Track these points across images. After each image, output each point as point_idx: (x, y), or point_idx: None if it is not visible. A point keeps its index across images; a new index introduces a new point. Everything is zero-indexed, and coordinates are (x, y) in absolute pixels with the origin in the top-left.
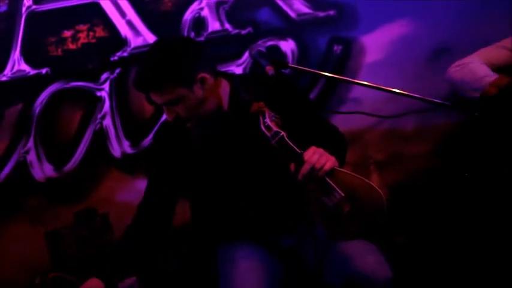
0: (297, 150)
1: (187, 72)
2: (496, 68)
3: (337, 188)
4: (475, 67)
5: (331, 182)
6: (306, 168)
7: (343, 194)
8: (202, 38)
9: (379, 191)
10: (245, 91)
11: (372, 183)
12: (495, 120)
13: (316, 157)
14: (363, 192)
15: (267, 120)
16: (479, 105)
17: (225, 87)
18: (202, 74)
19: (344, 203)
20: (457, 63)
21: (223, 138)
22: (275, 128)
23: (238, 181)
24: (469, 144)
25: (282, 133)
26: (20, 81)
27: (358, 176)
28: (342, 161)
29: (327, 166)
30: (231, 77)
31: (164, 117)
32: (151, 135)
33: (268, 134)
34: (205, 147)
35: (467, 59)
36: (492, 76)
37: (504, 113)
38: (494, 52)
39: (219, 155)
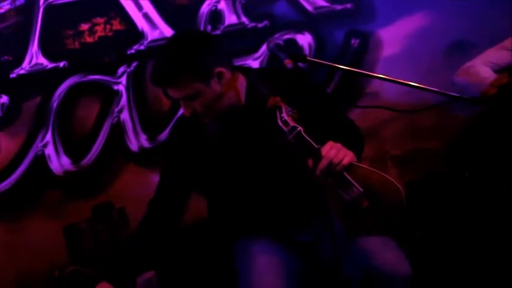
0: (315, 145)
1: (204, 67)
2: (500, 69)
3: (355, 183)
4: (477, 70)
5: (349, 177)
6: (323, 163)
7: (361, 189)
8: (218, 32)
9: (398, 185)
10: (262, 85)
11: (390, 178)
12: (495, 118)
13: (334, 152)
14: (382, 187)
15: (284, 115)
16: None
17: (241, 82)
18: (220, 69)
19: (363, 198)
20: (461, 68)
21: (240, 133)
22: (292, 123)
23: (255, 176)
24: (473, 143)
25: (299, 128)
26: (38, 75)
27: (377, 170)
28: (359, 156)
29: (345, 161)
30: (247, 71)
31: (181, 111)
32: (168, 130)
33: (285, 128)
34: (222, 142)
35: (469, 63)
36: (493, 76)
37: (503, 111)
38: (496, 53)
39: (235, 149)
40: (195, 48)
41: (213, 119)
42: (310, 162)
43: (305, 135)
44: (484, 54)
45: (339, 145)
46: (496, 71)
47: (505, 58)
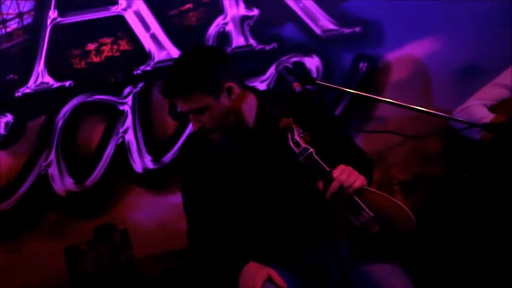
0: (326, 167)
1: (214, 80)
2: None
3: (365, 208)
4: (473, 110)
5: (359, 201)
6: (335, 185)
7: (372, 214)
8: None
9: (410, 213)
10: (273, 106)
11: (401, 204)
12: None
13: (346, 175)
14: (392, 213)
15: (296, 136)
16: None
17: (252, 100)
18: (229, 84)
19: (372, 224)
20: (458, 108)
21: (249, 152)
22: (304, 144)
23: (263, 194)
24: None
25: (311, 149)
26: (43, 94)
27: (388, 196)
28: (369, 181)
29: (356, 184)
30: (258, 91)
31: (187, 133)
32: (173, 151)
33: (296, 150)
34: (230, 160)
35: (467, 103)
36: (489, 117)
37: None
38: (492, 91)
39: (243, 168)
40: (206, 61)
41: (221, 135)
42: (320, 184)
43: (316, 157)
44: (480, 93)
45: (350, 168)
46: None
47: (501, 95)
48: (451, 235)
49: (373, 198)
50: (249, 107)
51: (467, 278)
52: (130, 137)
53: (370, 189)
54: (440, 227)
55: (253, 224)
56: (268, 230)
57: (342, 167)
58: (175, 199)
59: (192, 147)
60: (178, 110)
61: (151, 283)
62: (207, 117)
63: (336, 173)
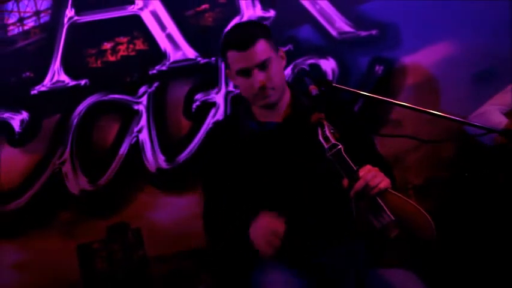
0: (353, 165)
1: (272, 39)
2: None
3: (387, 210)
4: (489, 116)
5: (382, 203)
6: (360, 183)
7: (393, 217)
8: None
9: (431, 221)
10: (306, 99)
11: (423, 210)
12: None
13: (372, 175)
14: (413, 219)
15: (326, 131)
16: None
17: (286, 90)
18: (282, 51)
19: (392, 227)
20: (474, 113)
21: (278, 141)
22: (333, 140)
23: (288, 187)
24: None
25: (340, 146)
26: (58, 92)
27: (412, 201)
28: (393, 185)
29: (381, 185)
30: (289, 83)
31: (203, 130)
32: (186, 151)
33: (325, 145)
34: (259, 146)
35: (483, 109)
36: (504, 123)
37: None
38: (507, 97)
39: (271, 157)
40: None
41: (277, 99)
42: (345, 182)
43: (344, 154)
44: (496, 98)
45: (376, 169)
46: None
47: None
48: (462, 240)
49: (396, 201)
50: (285, 95)
51: (478, 283)
52: (144, 136)
53: (394, 192)
54: (453, 232)
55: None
56: (288, 222)
57: (368, 167)
58: (189, 199)
59: (220, 132)
60: (238, 67)
61: (164, 282)
62: (271, 72)
63: (362, 172)
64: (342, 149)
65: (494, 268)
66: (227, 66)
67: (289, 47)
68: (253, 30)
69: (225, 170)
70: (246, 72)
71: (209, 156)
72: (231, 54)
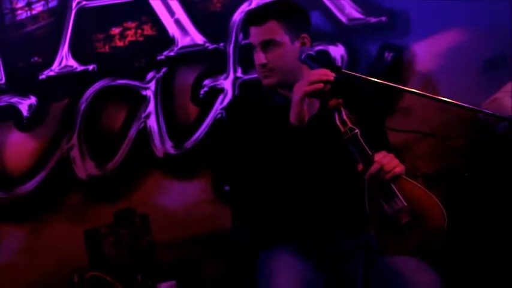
0: (369, 150)
1: (294, 23)
2: None
3: (400, 196)
4: (502, 102)
5: (395, 189)
6: (375, 167)
7: (405, 204)
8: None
9: (443, 209)
10: None
11: (436, 199)
12: None
13: (387, 159)
14: (425, 207)
15: (344, 115)
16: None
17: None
18: (306, 35)
19: (404, 214)
20: (488, 100)
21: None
22: (350, 124)
23: (302, 170)
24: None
25: (357, 130)
26: (66, 77)
27: (425, 189)
28: None
29: (396, 170)
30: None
31: (211, 116)
32: (194, 137)
33: (342, 128)
34: (278, 117)
35: (498, 94)
36: None
37: None
38: None
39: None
40: (294, 6)
41: (276, 82)
42: (360, 166)
43: (361, 139)
44: (507, 86)
45: (392, 155)
46: None
47: None
48: (471, 230)
49: (409, 188)
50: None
51: (490, 273)
52: (152, 122)
53: (408, 179)
54: (462, 222)
55: (289, 198)
56: (302, 204)
57: (384, 152)
58: (196, 185)
59: (242, 104)
60: (250, 40)
61: (171, 268)
62: (274, 55)
63: (378, 156)
64: (359, 133)
65: (504, 259)
66: None
67: None
68: (268, 10)
69: (248, 138)
70: (253, 48)
71: (231, 126)
72: (249, 29)
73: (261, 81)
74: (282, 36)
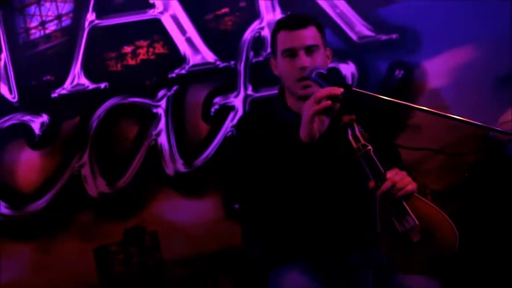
0: (381, 167)
1: (324, 34)
2: None
3: (412, 215)
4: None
5: (407, 207)
6: (387, 184)
7: (417, 222)
8: (261, 58)
9: (455, 229)
10: None
11: (448, 218)
12: None
13: (399, 177)
14: (437, 226)
15: (357, 131)
16: None
17: None
18: (329, 49)
19: (415, 232)
20: (500, 119)
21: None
22: (363, 141)
23: (313, 186)
24: None
25: (369, 147)
26: (78, 95)
27: (437, 207)
28: None
29: (408, 188)
30: None
31: (222, 134)
32: (205, 155)
33: (355, 144)
34: (284, 140)
35: (503, 116)
36: None
37: None
38: None
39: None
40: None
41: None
42: (372, 183)
43: (373, 155)
44: None
45: (404, 173)
46: None
47: None
48: (481, 248)
49: (421, 206)
50: None
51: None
52: (163, 139)
53: (420, 197)
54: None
55: (298, 210)
56: (313, 221)
57: (396, 169)
58: (206, 203)
59: (251, 121)
60: (286, 47)
61: (181, 285)
62: (316, 60)
63: (390, 174)
64: (371, 150)
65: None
66: (273, 53)
67: None
68: (307, 16)
69: (258, 155)
70: (292, 53)
71: (241, 142)
72: (281, 35)
73: (296, 92)
74: (320, 43)
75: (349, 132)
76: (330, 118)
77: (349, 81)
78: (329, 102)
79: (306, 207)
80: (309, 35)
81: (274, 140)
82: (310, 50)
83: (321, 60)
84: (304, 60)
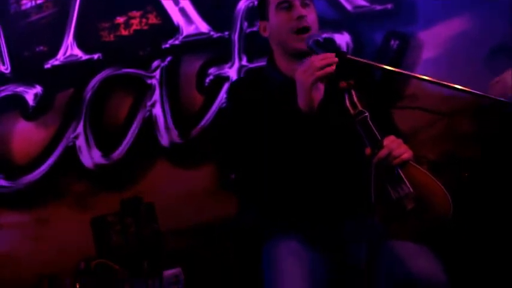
0: (377, 134)
1: None
2: None
3: (407, 182)
4: (506, 80)
5: (402, 175)
6: (383, 152)
7: (411, 190)
8: (255, 28)
9: (449, 197)
10: None
11: (442, 186)
12: None
13: (396, 144)
14: (431, 193)
15: (354, 97)
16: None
17: None
18: None
19: (409, 200)
20: (496, 79)
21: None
22: (360, 107)
23: (309, 154)
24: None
25: (367, 113)
26: (72, 66)
27: (432, 176)
28: None
29: (404, 156)
30: None
31: (216, 105)
32: (199, 126)
33: (352, 111)
34: (284, 99)
35: (505, 74)
36: None
37: None
38: None
39: (295, 113)
40: None
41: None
42: (368, 150)
43: (370, 122)
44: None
45: (400, 140)
46: None
47: None
48: (474, 218)
49: (416, 174)
50: None
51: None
52: (157, 110)
53: (416, 165)
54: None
55: (294, 177)
56: (309, 189)
57: (392, 137)
58: (201, 173)
59: (243, 86)
60: None
61: (177, 257)
62: (312, 15)
63: (386, 141)
64: (368, 117)
65: (507, 247)
66: (262, 13)
67: None
68: None
69: (251, 124)
70: (288, 5)
71: (234, 108)
72: None
73: (291, 45)
74: (312, 2)
75: (347, 98)
76: (324, 85)
77: (344, 50)
78: (333, 67)
79: (302, 175)
80: None
81: (267, 105)
82: (304, 2)
83: (315, 17)
84: (301, 10)
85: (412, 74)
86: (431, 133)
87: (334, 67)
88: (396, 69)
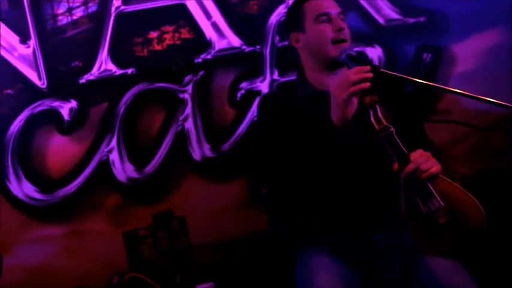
0: (404, 149)
1: None
2: None
3: (437, 196)
4: None
5: (432, 188)
6: (411, 167)
7: (442, 204)
8: (287, 42)
9: (482, 210)
10: None
11: (475, 199)
12: None
13: (424, 159)
14: (463, 207)
15: (379, 113)
16: None
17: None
18: None
19: (441, 214)
20: None
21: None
22: (385, 123)
23: (340, 168)
24: None
25: (392, 128)
26: (106, 81)
27: (463, 189)
28: None
29: (433, 170)
30: None
31: (248, 119)
32: (231, 140)
33: (377, 126)
34: (315, 112)
35: None
36: None
37: None
38: None
39: (320, 128)
40: None
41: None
42: (395, 165)
43: (396, 137)
44: None
45: (429, 154)
46: None
47: None
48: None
49: (446, 188)
50: None
51: None
52: (189, 124)
53: (446, 178)
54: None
55: (325, 191)
56: (340, 202)
57: (420, 151)
58: (233, 188)
59: (273, 101)
60: (320, 11)
61: (207, 271)
62: (345, 25)
63: (413, 155)
64: (394, 132)
65: None
66: (295, 25)
67: None
68: None
69: (282, 137)
70: (328, 18)
71: (265, 125)
72: (312, 3)
73: (329, 54)
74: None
75: (371, 113)
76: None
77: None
78: (367, 83)
79: (333, 188)
80: (336, 4)
81: (299, 119)
82: (341, 17)
83: (348, 31)
84: (340, 23)
85: (445, 87)
86: (464, 148)
87: (369, 83)
88: (429, 83)
